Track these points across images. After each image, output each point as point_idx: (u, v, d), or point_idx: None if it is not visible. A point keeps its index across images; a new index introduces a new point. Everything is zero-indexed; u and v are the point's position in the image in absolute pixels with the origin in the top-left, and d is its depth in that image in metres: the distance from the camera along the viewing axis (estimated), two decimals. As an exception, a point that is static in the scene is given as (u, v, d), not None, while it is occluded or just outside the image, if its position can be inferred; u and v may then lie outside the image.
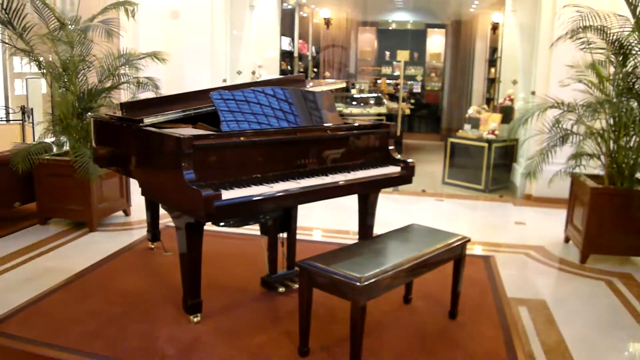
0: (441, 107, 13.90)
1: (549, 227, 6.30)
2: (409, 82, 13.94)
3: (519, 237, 5.98)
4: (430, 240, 3.40)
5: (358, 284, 2.72)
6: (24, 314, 3.57)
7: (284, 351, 3.15)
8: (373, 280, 2.77)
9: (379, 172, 3.94)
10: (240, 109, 3.48)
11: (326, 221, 6.40)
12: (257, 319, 3.53)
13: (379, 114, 11.09)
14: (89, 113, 4.16)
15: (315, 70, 13.22)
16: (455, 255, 3.48)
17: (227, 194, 3.06)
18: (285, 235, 4.07)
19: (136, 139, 3.53)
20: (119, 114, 3.81)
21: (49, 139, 5.94)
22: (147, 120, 3.42)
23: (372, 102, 11.46)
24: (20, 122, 8.28)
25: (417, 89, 14.10)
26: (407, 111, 12.08)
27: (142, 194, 3.59)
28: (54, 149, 5.97)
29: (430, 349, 3.25)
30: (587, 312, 4.16)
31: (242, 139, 3.34)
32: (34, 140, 6.77)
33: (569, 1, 5.29)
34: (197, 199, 2.96)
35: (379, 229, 4.30)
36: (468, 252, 3.74)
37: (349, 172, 3.77)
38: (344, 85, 4.76)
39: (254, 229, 4.97)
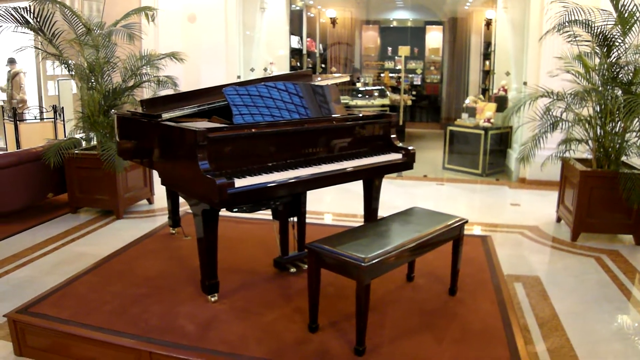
0: (440, 98, 13.75)
1: (542, 208, 6.22)
2: (410, 76, 13.79)
3: (515, 217, 5.91)
4: (431, 222, 3.33)
5: (362, 264, 2.66)
6: (56, 296, 3.54)
7: (294, 327, 3.11)
8: (376, 260, 2.71)
9: (382, 159, 3.87)
10: (251, 102, 3.41)
11: (335, 205, 6.35)
12: (270, 298, 3.49)
13: (383, 105, 10.99)
14: (112, 110, 4.10)
15: (323, 65, 13.09)
16: (454, 235, 3.40)
17: (239, 182, 3.01)
18: (295, 219, 4.02)
19: (155, 133, 3.48)
20: (140, 110, 3.76)
21: (78, 135, 5.92)
22: (165, 115, 3.37)
23: (376, 94, 11.34)
24: (52, 120, 8.27)
25: (417, 81, 13.94)
26: (409, 102, 11.97)
27: (162, 183, 3.54)
28: (83, 144, 5.96)
29: (431, 323, 3.19)
30: (578, 287, 4.09)
31: (253, 130, 3.27)
32: (65, 137, 6.73)
33: (556, -3, 5.20)
34: (211, 187, 2.91)
35: (383, 211, 4.24)
36: (467, 232, 3.67)
37: (354, 160, 3.69)
38: (347, 79, 4.68)
39: (266, 214, 4.95)
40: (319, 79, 4.33)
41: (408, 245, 2.94)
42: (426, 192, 7.29)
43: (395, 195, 6.89)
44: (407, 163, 4.02)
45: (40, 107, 8.89)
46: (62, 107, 8.21)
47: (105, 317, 3.24)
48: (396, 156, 3.97)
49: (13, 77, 9.24)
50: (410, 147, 4.02)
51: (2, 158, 5.34)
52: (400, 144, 4.08)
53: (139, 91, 6.11)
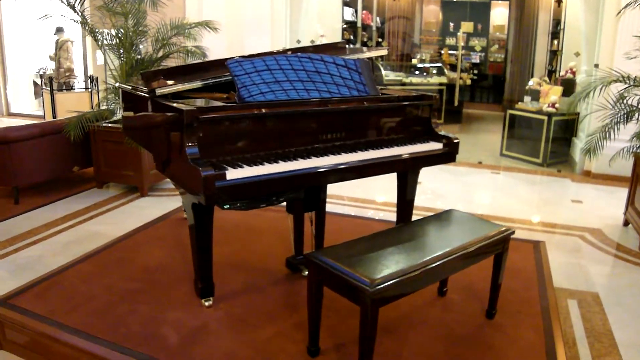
0: (503, 78, 12.70)
1: (607, 207, 5.38)
2: (471, 53, 12.79)
3: (575, 217, 5.11)
4: (468, 232, 2.67)
5: (368, 288, 2.07)
6: (43, 285, 3.15)
7: (292, 348, 2.56)
8: (387, 283, 2.10)
9: (417, 149, 3.20)
10: (262, 79, 2.84)
11: (378, 191, 5.68)
12: (273, 306, 2.94)
13: (440, 84, 10.18)
14: (117, 83, 3.64)
15: (379, 40, 12.26)
16: (496, 249, 2.74)
17: (233, 174, 2.44)
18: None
19: (146, 110, 2.97)
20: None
21: (105, 107, 5.53)
22: (160, 91, 2.84)
23: (434, 71, 10.53)
24: (89, 90, 7.98)
25: (476, 59, 12.89)
26: (468, 81, 11.05)
27: (156, 167, 3.03)
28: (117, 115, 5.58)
29: (459, 354, 2.57)
30: (646, 310, 3.36)
31: (260, 111, 2.69)
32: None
33: (643, -39, 4.33)
34: (196, 178, 2.38)
35: (432, 201, 3.59)
36: (518, 232, 2.99)
37: (383, 149, 3.05)
38: (385, 52, 4.01)
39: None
40: (365, 50, 3.70)
41: (432, 264, 2.30)
42: (480, 181, 6.55)
43: (445, 182, 6.20)
44: (448, 154, 3.33)
45: (86, 76, 8.65)
46: (97, 77, 7.89)
47: (86, 316, 2.82)
48: (436, 146, 3.29)
49: (61, 46, 9.01)
50: (452, 136, 3.34)
51: (24, 129, 5.01)
52: (443, 132, 3.41)
53: (171, 62, 5.65)
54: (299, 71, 2.97)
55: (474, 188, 6.26)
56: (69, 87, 8.46)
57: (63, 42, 8.99)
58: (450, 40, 13.04)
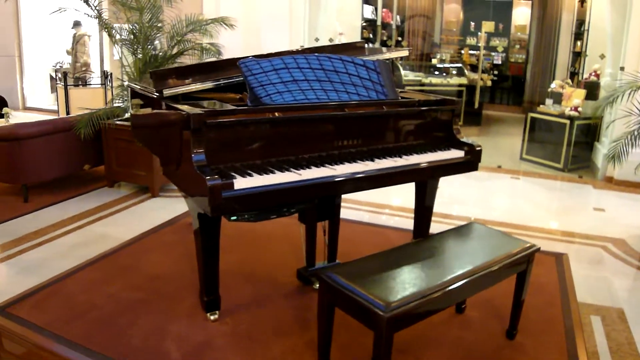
0: (524, 80, 12.38)
1: (631, 216, 5.13)
2: (492, 54, 12.49)
3: (597, 226, 4.86)
4: (490, 249, 2.48)
5: (382, 312, 1.89)
6: (44, 293, 3.03)
7: (302, 369, 2.41)
8: (404, 307, 1.92)
9: (437, 157, 3.01)
10: (279, 77, 2.68)
11: (398, 195, 5.48)
12: (282, 321, 2.78)
13: (460, 85, 9.90)
14: (125, 82, 3.50)
15: (399, 38, 12.02)
16: (520, 267, 2.55)
17: (241, 183, 2.29)
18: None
19: (152, 112, 2.82)
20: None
21: (117, 104, 5.40)
22: (168, 92, 2.68)
23: (453, 72, 10.26)
24: (103, 86, 7.86)
25: (498, 60, 12.58)
26: (488, 82, 10.77)
27: (162, 172, 2.87)
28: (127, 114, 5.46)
29: (479, 379, 2.40)
30: (676, 332, 3.13)
31: (272, 115, 2.53)
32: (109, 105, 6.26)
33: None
34: (202, 187, 2.22)
35: (449, 206, 3.40)
36: (539, 242, 2.79)
37: (400, 157, 2.87)
38: (406, 53, 3.81)
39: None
40: (385, 51, 3.52)
41: (452, 285, 2.12)
42: (499, 186, 6.32)
43: (463, 187, 5.98)
44: (469, 163, 3.14)
45: (101, 71, 8.56)
46: (111, 73, 7.78)
47: (86, 328, 2.68)
48: (457, 154, 3.11)
49: (78, 41, 8.92)
50: (475, 143, 3.15)
51: (35, 126, 4.90)
52: (464, 139, 3.21)
53: (186, 59, 5.51)
54: (317, 70, 2.81)
55: (493, 193, 6.04)
56: (85, 83, 8.37)
57: (80, 37, 8.90)
58: (471, 40, 12.77)
